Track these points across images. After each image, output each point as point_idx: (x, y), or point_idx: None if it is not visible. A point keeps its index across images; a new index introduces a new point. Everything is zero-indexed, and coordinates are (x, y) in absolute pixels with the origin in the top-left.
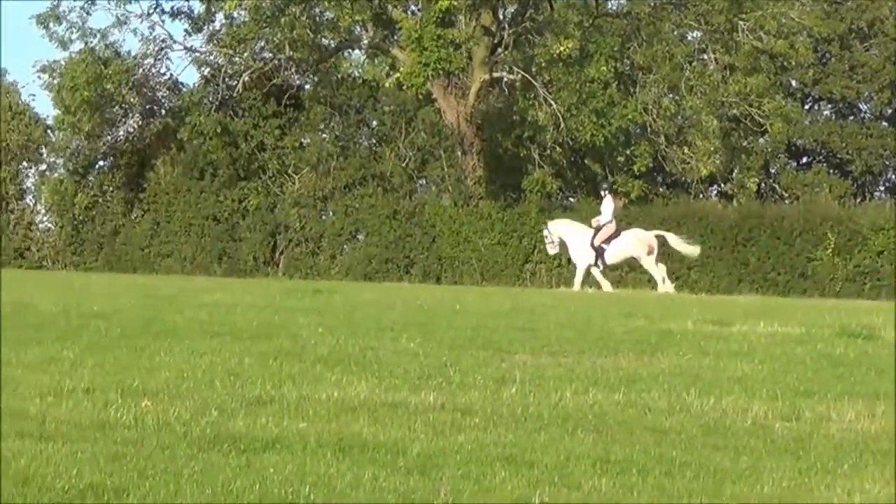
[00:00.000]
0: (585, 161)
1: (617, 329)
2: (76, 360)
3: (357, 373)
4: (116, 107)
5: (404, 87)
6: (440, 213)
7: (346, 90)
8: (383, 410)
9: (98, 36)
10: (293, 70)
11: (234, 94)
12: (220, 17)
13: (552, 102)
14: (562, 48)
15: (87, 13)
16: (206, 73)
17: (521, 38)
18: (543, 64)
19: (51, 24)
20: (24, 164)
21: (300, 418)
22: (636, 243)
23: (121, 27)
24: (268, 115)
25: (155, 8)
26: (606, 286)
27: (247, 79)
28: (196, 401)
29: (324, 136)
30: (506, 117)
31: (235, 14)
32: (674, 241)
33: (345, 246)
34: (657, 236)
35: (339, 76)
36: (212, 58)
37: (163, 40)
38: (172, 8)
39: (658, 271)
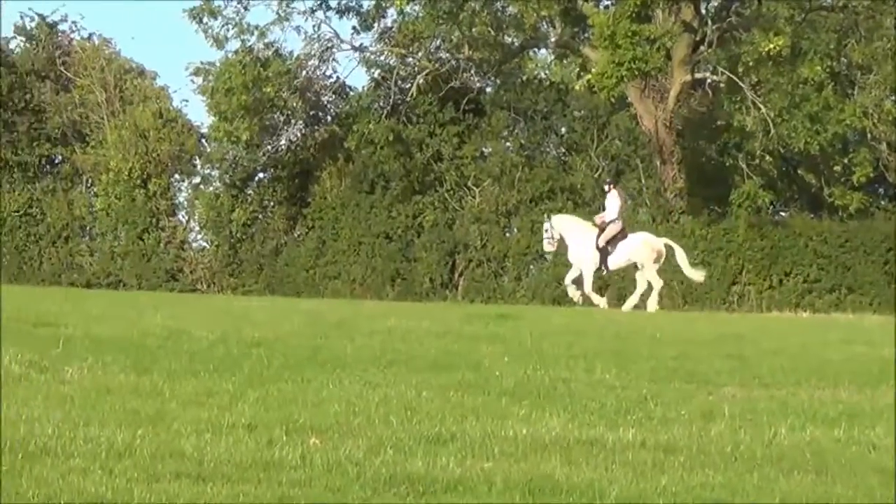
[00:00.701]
0: (798, 171)
1: (834, 357)
2: (236, 392)
3: (547, 407)
4: (277, 113)
5: (596, 90)
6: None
7: (532, 94)
8: (577, 449)
9: (256, 34)
10: (473, 72)
11: (408, 99)
12: (391, 13)
13: (761, 106)
14: (771, 46)
15: (245, 8)
16: (376, 75)
17: (726, 34)
18: (751, 63)
19: (205, 19)
20: (177, 176)
21: (484, 457)
22: (645, 248)
23: (282, 24)
24: (445, 122)
25: (320, 4)
26: (599, 300)
27: (421, 81)
28: (369, 438)
29: (507, 144)
30: (709, 123)
31: (409, 10)
32: (681, 256)
33: (531, 266)
34: (666, 245)
35: (524, 78)
36: (382, 58)
37: (328, 39)
38: (339, 4)
39: (657, 283)
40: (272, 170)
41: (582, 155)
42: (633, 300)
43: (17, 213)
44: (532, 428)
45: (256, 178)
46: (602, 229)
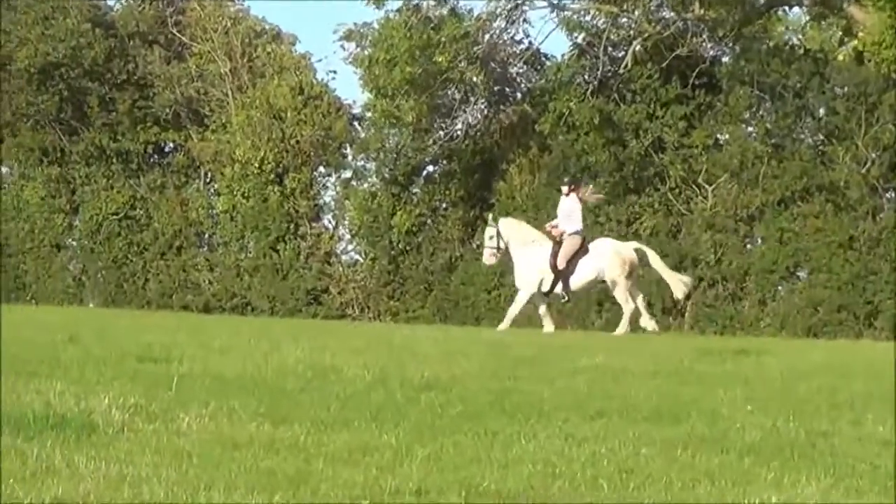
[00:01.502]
0: None
1: None
2: (400, 448)
3: (803, 469)
4: (452, 88)
5: (867, 61)
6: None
7: (781, 65)
8: None
9: None
10: (705, 36)
11: (620, 71)
12: None
13: None
14: None
15: None
16: (579, 40)
17: None
18: None
19: None
20: (321, 170)
21: None
22: (615, 261)
23: None
24: (668, 101)
25: None
26: (548, 326)
27: (638, 48)
28: None
29: (749, 129)
30: None
31: None
32: (655, 260)
33: (779, 287)
34: (636, 251)
35: (771, 45)
36: (588, 18)
37: None
38: None
39: (639, 301)
40: (445, 162)
41: (845, 144)
42: (647, 322)
43: (115, 217)
44: (784, 495)
45: (424, 173)
46: (558, 243)
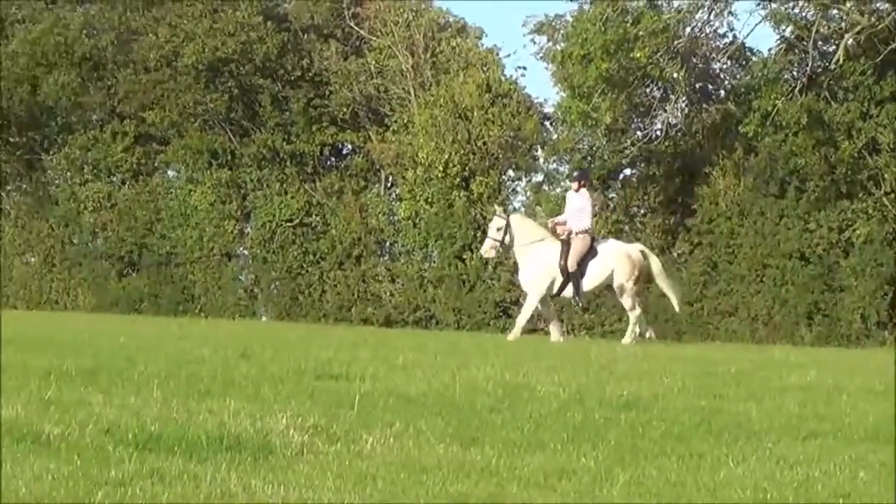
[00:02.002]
0: None
1: None
2: (599, 472)
3: None
4: (651, 86)
5: None
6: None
7: None
8: None
9: None
10: None
11: (832, 67)
12: None
13: None
14: None
15: None
16: (787, 33)
17: None
18: None
19: None
20: (511, 173)
21: None
22: (624, 264)
23: None
24: (883, 99)
25: None
26: (556, 334)
27: (851, 42)
28: None
29: None
30: None
31: None
32: (657, 267)
33: None
34: (641, 252)
35: None
36: (796, 11)
37: None
38: None
39: (637, 311)
40: (643, 165)
41: None
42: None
43: (289, 224)
44: None
45: (622, 176)
46: (566, 243)
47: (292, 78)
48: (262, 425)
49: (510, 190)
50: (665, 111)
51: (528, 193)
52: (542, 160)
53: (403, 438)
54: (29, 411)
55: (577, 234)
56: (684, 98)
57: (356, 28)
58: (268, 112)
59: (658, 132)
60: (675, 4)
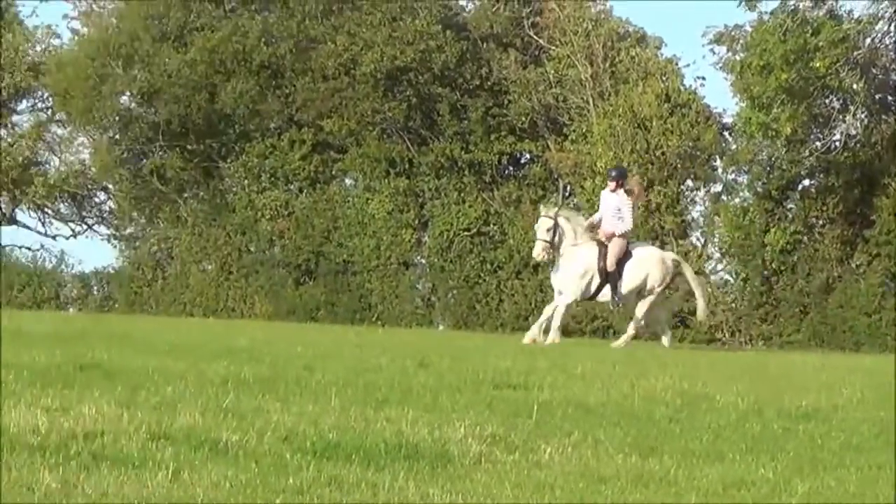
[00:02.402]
0: None
1: None
2: (778, 483)
3: None
4: (830, 97)
5: None
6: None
7: None
8: None
9: None
10: None
11: None
12: None
13: None
14: None
15: None
16: None
17: None
18: None
19: None
20: (689, 183)
21: None
22: (659, 269)
23: None
24: None
25: None
26: (555, 335)
27: None
28: None
29: None
30: None
31: None
32: (691, 275)
33: None
34: (674, 261)
35: None
36: None
37: None
38: None
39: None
40: (822, 175)
41: None
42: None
43: (467, 233)
44: None
45: (800, 187)
46: (603, 245)
47: (471, 87)
48: (440, 434)
49: (688, 200)
50: (844, 122)
51: (707, 203)
52: (720, 171)
53: (582, 448)
54: (207, 419)
55: (618, 236)
56: (864, 109)
57: (535, 37)
58: (446, 121)
59: (837, 143)
60: (856, 15)
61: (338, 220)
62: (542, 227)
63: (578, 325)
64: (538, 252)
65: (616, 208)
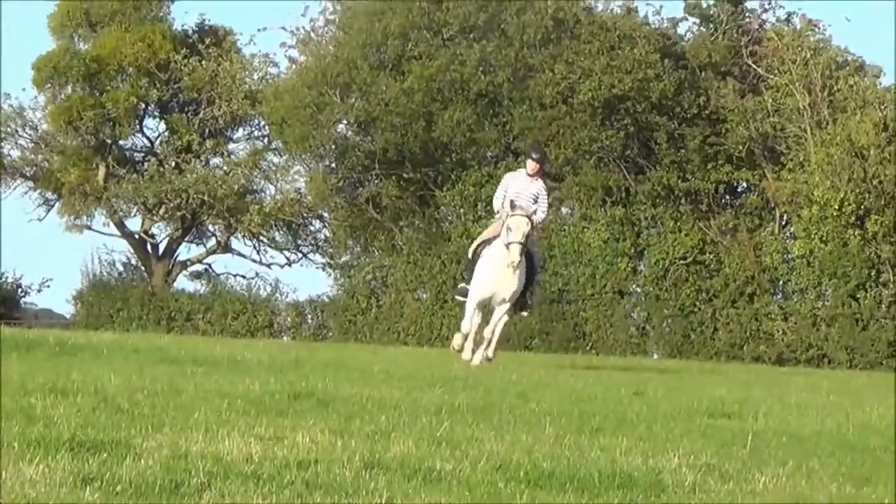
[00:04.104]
0: None
1: None
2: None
3: None
4: None
5: None
6: None
7: None
8: None
9: None
10: None
11: None
12: None
13: None
14: None
15: None
16: None
17: None
18: None
19: None
20: None
21: None
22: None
23: None
24: None
25: None
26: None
27: None
28: None
29: None
30: None
31: None
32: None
33: None
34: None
35: None
36: None
37: None
38: None
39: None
40: None
41: None
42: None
43: (682, 261)
44: None
45: None
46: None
47: (688, 115)
48: (654, 463)
49: None
50: None
51: None
52: None
53: (796, 477)
54: (421, 447)
55: (540, 221)
56: None
57: (753, 66)
58: (663, 149)
59: None
60: None
61: (553, 248)
62: (523, 228)
63: (793, 353)
64: (514, 254)
65: (534, 195)
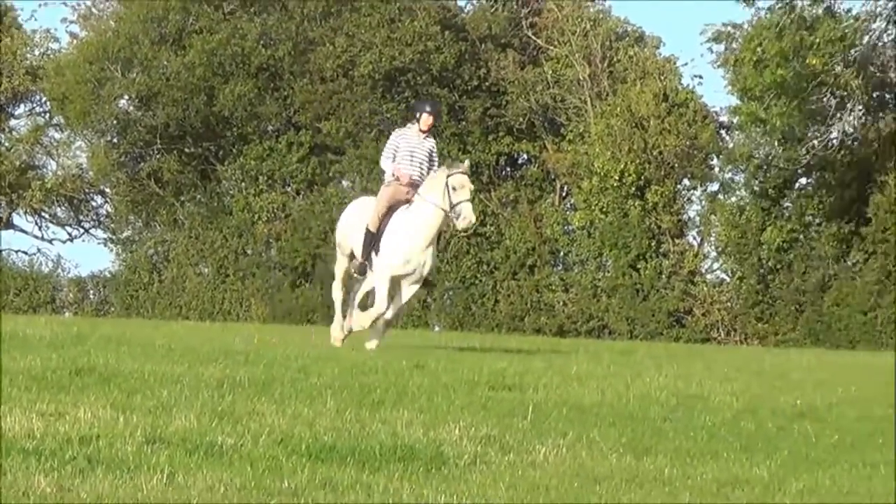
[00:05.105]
0: None
1: None
2: (772, 482)
3: None
4: (827, 94)
5: None
6: None
7: None
8: None
9: None
10: None
11: None
12: None
13: None
14: None
15: None
16: None
17: None
18: None
19: None
20: (686, 182)
21: None
22: None
23: None
24: None
25: None
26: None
27: None
28: None
29: None
30: None
31: None
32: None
33: None
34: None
35: None
36: None
37: None
38: None
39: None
40: (818, 173)
41: None
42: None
43: (463, 234)
44: None
45: (797, 185)
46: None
47: (469, 87)
48: (434, 435)
49: (685, 199)
50: (841, 120)
51: (704, 202)
52: (717, 169)
53: (576, 448)
54: (202, 422)
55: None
56: (861, 107)
57: (534, 38)
58: (444, 122)
59: (834, 141)
60: (853, 12)
61: (335, 222)
62: (469, 186)
63: (574, 324)
64: (463, 220)
65: (428, 153)
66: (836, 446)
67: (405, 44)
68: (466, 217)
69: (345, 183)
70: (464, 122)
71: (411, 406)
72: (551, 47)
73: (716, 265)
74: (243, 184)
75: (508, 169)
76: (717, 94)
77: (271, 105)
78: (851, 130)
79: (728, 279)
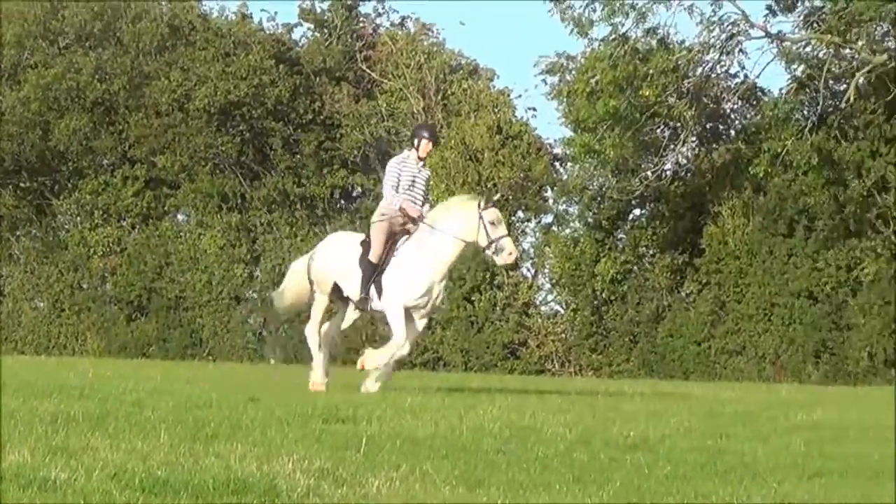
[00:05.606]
0: None
1: None
2: None
3: None
4: (660, 125)
5: None
6: None
7: None
8: None
9: (633, 15)
10: None
11: (842, 106)
12: None
13: None
14: None
15: None
16: (799, 73)
17: None
18: None
19: None
20: (520, 214)
21: None
22: None
23: (668, 4)
24: (893, 138)
25: None
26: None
27: (862, 81)
28: None
29: None
30: None
31: None
32: None
33: None
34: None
35: None
36: (808, 50)
37: (733, 23)
38: None
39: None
40: (652, 204)
41: None
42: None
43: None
44: None
45: (631, 217)
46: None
47: (304, 121)
48: (268, 469)
49: (520, 231)
50: (674, 150)
51: (538, 234)
52: (551, 201)
53: (409, 481)
54: (36, 457)
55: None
56: (694, 138)
57: (368, 71)
58: (279, 155)
59: (667, 172)
60: (686, 44)
61: (170, 255)
62: (503, 220)
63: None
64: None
65: (425, 182)
66: (668, 477)
67: (240, 77)
68: (512, 252)
69: (180, 216)
70: (298, 156)
71: (245, 440)
72: (385, 80)
73: (550, 297)
74: (78, 218)
75: (343, 202)
76: (550, 125)
77: (107, 139)
78: (685, 161)
79: (562, 311)
